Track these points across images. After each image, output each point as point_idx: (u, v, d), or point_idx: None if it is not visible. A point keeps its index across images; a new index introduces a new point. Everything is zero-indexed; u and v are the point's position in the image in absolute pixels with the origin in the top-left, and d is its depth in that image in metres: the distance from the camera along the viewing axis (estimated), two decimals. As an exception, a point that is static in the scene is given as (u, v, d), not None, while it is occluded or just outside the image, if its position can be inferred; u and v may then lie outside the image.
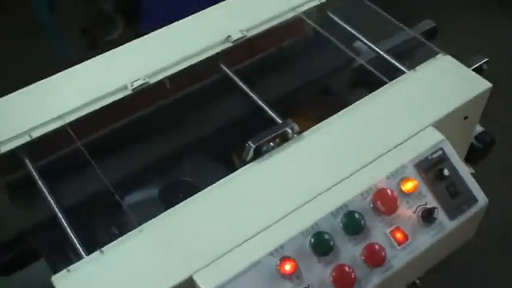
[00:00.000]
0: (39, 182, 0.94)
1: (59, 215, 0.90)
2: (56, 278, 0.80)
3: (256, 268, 0.80)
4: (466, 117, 1.04)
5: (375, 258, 0.84)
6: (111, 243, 0.83)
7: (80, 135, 0.98)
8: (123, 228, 0.88)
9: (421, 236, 0.88)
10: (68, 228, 0.88)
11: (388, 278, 0.85)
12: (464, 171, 0.94)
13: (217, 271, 0.79)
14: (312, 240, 0.82)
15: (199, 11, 1.17)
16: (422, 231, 0.88)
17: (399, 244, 0.86)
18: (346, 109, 1.00)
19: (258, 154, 0.93)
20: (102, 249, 0.82)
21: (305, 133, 0.96)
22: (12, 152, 0.96)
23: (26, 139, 0.97)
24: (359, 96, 1.01)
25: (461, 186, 0.92)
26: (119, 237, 0.83)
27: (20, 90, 1.04)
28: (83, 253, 0.83)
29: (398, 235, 0.86)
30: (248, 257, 0.80)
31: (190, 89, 1.12)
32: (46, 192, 0.92)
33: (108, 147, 1.01)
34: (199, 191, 0.88)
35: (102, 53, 1.09)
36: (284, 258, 0.81)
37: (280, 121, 1.00)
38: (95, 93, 1.02)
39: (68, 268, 0.81)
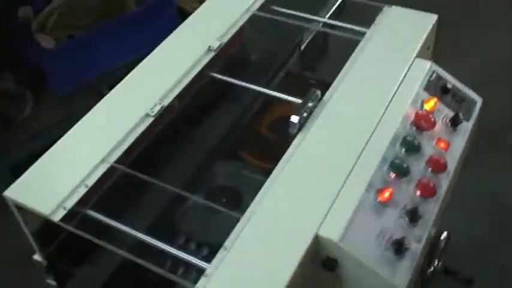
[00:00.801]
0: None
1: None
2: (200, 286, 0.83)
3: (362, 206, 0.91)
4: (428, 48, 1.24)
5: (437, 165, 0.99)
6: (229, 237, 0.88)
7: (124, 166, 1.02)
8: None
9: (455, 140, 1.05)
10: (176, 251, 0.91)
11: (450, 181, 1.01)
12: (456, 81, 1.13)
13: (334, 222, 0.89)
14: (391, 168, 0.95)
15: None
16: (454, 136, 1.06)
17: (445, 150, 1.03)
18: (342, 72, 1.14)
19: (301, 126, 1.04)
20: (224, 245, 0.88)
21: (324, 98, 1.09)
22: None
23: (84, 189, 0.98)
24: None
25: (462, 94, 1.12)
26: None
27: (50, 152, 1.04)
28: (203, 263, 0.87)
29: (442, 144, 1.03)
30: (351, 202, 0.91)
31: (198, 101, 1.18)
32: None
33: (149, 170, 1.05)
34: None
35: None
36: (378, 191, 0.93)
37: (294, 99, 1.11)
38: (125, 129, 1.05)
39: (205, 274, 0.85)
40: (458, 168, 1.05)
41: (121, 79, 1.14)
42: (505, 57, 2.49)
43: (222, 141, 1.17)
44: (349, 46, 1.21)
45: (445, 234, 1.08)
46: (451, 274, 1.18)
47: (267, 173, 0.97)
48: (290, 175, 0.96)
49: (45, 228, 1.03)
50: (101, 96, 1.45)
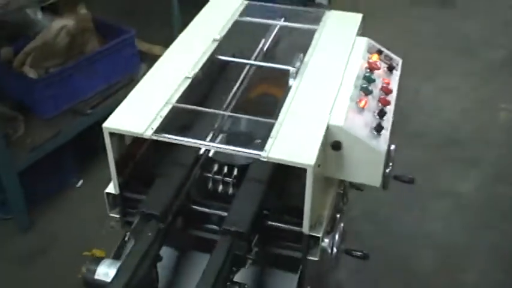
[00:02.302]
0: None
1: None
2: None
3: (350, 109, 1.43)
4: (360, 34, 1.83)
5: (387, 89, 1.55)
6: (272, 132, 1.35)
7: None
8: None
9: (392, 79, 1.62)
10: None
11: (394, 99, 1.56)
12: (384, 48, 1.72)
13: (336, 118, 1.39)
14: (361, 90, 1.50)
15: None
16: (391, 77, 1.63)
17: (388, 83, 1.59)
18: (311, 47, 1.68)
19: (296, 74, 1.55)
20: (271, 135, 1.34)
21: (305, 60, 1.62)
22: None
23: (160, 119, 1.40)
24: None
25: (389, 55, 1.71)
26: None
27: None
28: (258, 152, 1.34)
29: (386, 80, 1.60)
30: (343, 106, 1.43)
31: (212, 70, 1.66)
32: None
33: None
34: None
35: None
36: (357, 101, 1.46)
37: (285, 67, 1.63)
38: (176, 84, 1.51)
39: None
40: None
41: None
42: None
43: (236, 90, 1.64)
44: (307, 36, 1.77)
45: (393, 146, 1.62)
46: (396, 178, 1.72)
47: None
48: (300, 96, 1.46)
49: (123, 157, 1.44)
50: (85, 115, 1.94)
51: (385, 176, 1.58)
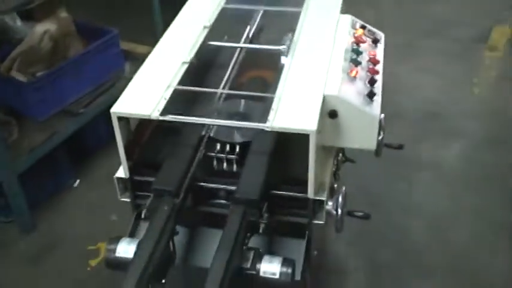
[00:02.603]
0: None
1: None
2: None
3: (343, 79, 1.52)
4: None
5: (374, 60, 1.65)
6: (273, 102, 1.43)
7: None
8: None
9: (377, 51, 1.72)
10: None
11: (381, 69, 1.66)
12: (367, 24, 1.82)
13: (331, 88, 1.48)
14: (351, 62, 1.59)
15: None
16: (376, 49, 1.72)
17: (374, 55, 1.68)
18: (298, 26, 1.76)
19: (287, 52, 1.64)
20: (272, 107, 1.42)
21: (294, 39, 1.70)
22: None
23: (164, 101, 1.47)
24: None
25: (372, 30, 1.80)
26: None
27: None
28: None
29: (372, 52, 1.69)
30: (336, 77, 1.51)
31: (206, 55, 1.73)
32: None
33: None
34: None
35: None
36: (348, 72, 1.55)
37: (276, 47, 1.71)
38: (175, 69, 1.58)
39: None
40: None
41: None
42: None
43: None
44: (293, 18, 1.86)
45: (383, 115, 1.71)
46: (387, 146, 1.82)
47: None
48: (295, 71, 1.55)
49: (132, 141, 1.50)
50: (78, 115, 2.03)
51: (378, 143, 1.68)
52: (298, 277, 1.46)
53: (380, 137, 1.67)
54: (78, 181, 2.53)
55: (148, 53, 1.73)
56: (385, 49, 1.77)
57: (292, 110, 1.43)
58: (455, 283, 2.04)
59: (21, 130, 2.33)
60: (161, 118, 1.44)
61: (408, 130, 2.69)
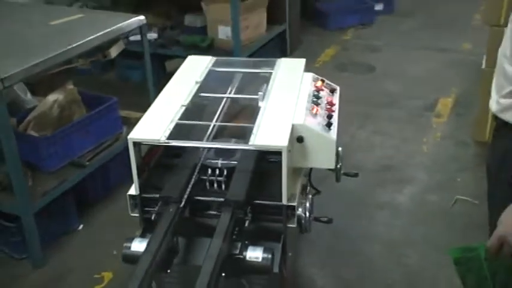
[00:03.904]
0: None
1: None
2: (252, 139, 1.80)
3: (306, 115, 1.98)
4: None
5: (331, 103, 2.12)
6: (254, 127, 1.87)
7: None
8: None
9: (334, 98, 2.20)
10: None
11: (337, 113, 2.13)
12: (325, 80, 2.31)
13: (298, 118, 1.94)
14: (312, 102, 2.05)
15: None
16: (333, 96, 2.20)
17: (331, 102, 2.16)
18: (270, 82, 2.24)
19: (263, 98, 2.10)
20: (253, 132, 1.87)
21: (268, 89, 2.17)
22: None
23: (168, 131, 1.90)
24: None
25: (329, 84, 2.29)
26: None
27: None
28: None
29: (329, 98, 2.17)
30: (301, 113, 1.97)
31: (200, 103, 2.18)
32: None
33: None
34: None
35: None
36: (310, 109, 2.01)
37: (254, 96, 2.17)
38: (175, 110, 2.02)
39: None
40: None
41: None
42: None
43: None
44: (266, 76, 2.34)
45: (340, 148, 2.15)
46: (345, 174, 2.25)
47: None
48: (269, 110, 2.00)
49: (145, 158, 1.91)
50: (84, 167, 2.52)
51: (337, 171, 2.13)
52: (276, 269, 1.84)
53: (338, 165, 2.12)
54: (81, 225, 2.88)
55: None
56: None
57: (268, 133, 1.87)
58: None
59: (35, 179, 2.70)
60: (168, 142, 1.86)
61: (367, 179, 3.13)
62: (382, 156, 3.44)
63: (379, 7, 6.00)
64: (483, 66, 3.46)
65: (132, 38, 3.97)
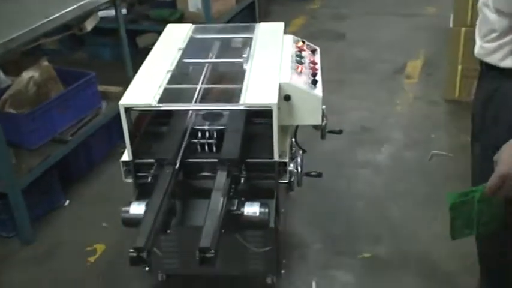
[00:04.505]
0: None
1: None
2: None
3: (292, 74, 2.02)
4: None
5: (314, 62, 2.17)
6: (244, 81, 1.91)
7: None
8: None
9: (315, 57, 2.25)
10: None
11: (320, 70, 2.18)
12: (304, 40, 2.35)
13: (284, 77, 1.98)
14: (296, 61, 2.10)
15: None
16: (314, 56, 2.25)
17: (314, 61, 2.21)
18: (252, 44, 2.28)
19: (247, 60, 2.13)
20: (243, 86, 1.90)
21: (251, 52, 2.20)
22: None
23: (158, 95, 1.92)
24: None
25: (309, 44, 2.34)
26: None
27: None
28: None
29: (311, 58, 2.21)
30: (287, 70, 2.02)
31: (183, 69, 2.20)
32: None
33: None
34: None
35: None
36: (295, 68, 2.06)
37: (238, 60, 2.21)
38: (163, 74, 2.04)
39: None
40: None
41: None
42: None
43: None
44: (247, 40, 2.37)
45: (323, 106, 2.21)
46: (330, 132, 2.32)
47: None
48: (255, 71, 2.04)
49: (135, 126, 1.93)
50: (66, 142, 2.52)
51: (322, 128, 2.19)
52: (272, 224, 1.89)
53: (323, 123, 2.18)
54: (67, 201, 2.88)
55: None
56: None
57: (257, 93, 1.92)
58: (397, 246, 2.50)
59: (18, 156, 2.69)
60: (159, 106, 1.89)
61: (346, 141, 3.20)
62: (358, 119, 3.52)
63: (343, -24, 6.05)
64: (451, 25, 3.55)
65: (101, 14, 3.93)
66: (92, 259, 2.48)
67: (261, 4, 4.98)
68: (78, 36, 4.04)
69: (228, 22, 4.40)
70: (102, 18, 3.91)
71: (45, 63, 3.13)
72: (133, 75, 2.10)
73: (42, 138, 2.79)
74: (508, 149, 1.39)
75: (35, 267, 2.47)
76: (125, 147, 1.98)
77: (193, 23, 2.57)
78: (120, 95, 1.96)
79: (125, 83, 2.11)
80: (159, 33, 2.46)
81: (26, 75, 3.04)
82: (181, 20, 4.18)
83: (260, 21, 2.60)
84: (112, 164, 3.01)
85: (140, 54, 2.28)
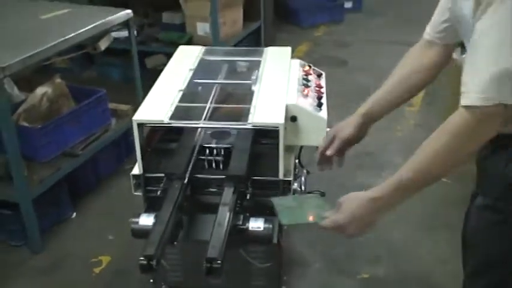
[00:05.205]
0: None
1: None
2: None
3: (298, 96, 2.12)
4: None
5: (319, 86, 2.26)
6: (252, 103, 2.00)
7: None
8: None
9: (321, 81, 2.34)
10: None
11: (325, 94, 2.27)
12: (311, 65, 2.45)
13: (291, 99, 2.08)
14: (303, 84, 2.19)
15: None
16: (320, 80, 2.35)
17: (319, 86, 2.30)
18: (260, 69, 2.37)
19: (256, 82, 2.23)
20: (252, 105, 2.00)
21: (259, 75, 2.30)
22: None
23: (170, 112, 2.02)
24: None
25: (315, 69, 2.43)
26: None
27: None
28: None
29: (317, 82, 2.31)
30: (293, 94, 2.11)
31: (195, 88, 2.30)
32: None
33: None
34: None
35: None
36: (301, 90, 2.15)
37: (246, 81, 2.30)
38: (174, 93, 2.13)
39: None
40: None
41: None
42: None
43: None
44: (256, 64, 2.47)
45: (328, 129, 2.29)
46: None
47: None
48: (263, 92, 2.13)
49: (145, 141, 2.02)
50: (76, 156, 2.60)
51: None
52: (275, 239, 1.97)
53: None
54: (75, 214, 2.96)
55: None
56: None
57: (264, 113, 2.00)
58: (396, 267, 2.57)
59: (29, 169, 2.77)
60: (170, 123, 1.98)
61: (347, 164, 3.26)
62: (360, 143, 3.60)
63: (348, 5, 6.22)
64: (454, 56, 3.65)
65: (113, 35, 4.05)
66: (97, 270, 2.56)
67: (266, 30, 5.11)
68: (88, 56, 4.16)
69: (234, 46, 4.53)
70: (114, 39, 4.06)
71: (58, 80, 3.24)
72: (142, 94, 2.20)
73: (53, 152, 2.89)
74: (350, 200, 1.53)
75: (43, 277, 2.55)
76: (132, 164, 2.07)
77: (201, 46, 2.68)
78: (129, 113, 2.06)
79: (134, 101, 2.21)
80: (168, 55, 2.57)
81: (40, 91, 3.15)
82: (189, 43, 4.31)
83: (266, 47, 2.71)
84: (119, 180, 3.11)
85: (148, 75, 2.37)
